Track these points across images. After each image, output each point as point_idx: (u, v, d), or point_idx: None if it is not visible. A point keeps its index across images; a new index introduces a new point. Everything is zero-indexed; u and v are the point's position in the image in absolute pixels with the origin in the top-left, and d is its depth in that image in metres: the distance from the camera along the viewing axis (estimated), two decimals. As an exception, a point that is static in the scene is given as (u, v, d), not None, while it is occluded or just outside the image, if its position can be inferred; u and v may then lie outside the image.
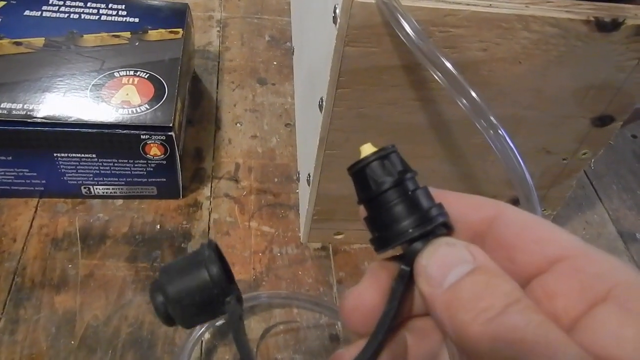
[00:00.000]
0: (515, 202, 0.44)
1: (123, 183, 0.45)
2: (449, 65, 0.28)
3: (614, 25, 0.31)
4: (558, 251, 0.18)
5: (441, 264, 0.18)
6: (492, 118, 0.28)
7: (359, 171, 0.20)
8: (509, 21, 0.30)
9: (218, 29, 0.66)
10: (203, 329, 0.39)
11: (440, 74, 0.28)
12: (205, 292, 0.24)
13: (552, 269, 0.18)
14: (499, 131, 0.28)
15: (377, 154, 0.20)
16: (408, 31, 0.28)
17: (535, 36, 0.31)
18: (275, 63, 0.63)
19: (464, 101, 0.28)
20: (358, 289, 0.20)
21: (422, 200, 0.20)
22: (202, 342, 0.39)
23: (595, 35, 0.31)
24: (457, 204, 0.21)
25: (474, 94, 0.28)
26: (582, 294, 0.17)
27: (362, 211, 0.20)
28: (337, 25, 0.30)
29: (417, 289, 0.19)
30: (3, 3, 0.49)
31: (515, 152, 0.28)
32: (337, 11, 0.30)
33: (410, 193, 0.19)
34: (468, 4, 0.30)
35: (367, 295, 0.20)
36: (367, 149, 0.20)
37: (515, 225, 0.19)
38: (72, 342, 0.37)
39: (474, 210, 0.21)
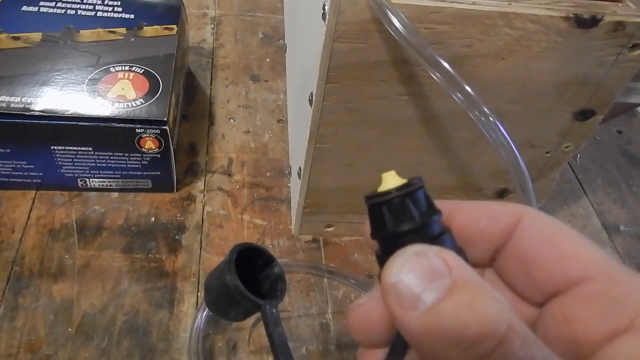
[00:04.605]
0: (501, 194, 0.46)
1: (119, 176, 0.46)
2: (438, 57, 0.29)
3: (593, 21, 0.32)
4: (579, 271, 0.17)
5: (413, 280, 0.15)
6: (484, 108, 0.29)
7: (376, 205, 0.18)
8: (491, 18, 0.31)
9: (212, 26, 0.67)
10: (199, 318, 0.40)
11: (429, 66, 0.29)
12: (226, 293, 0.25)
13: (572, 291, 0.17)
14: (491, 119, 0.29)
15: (400, 190, 0.17)
16: (398, 27, 0.29)
17: (517, 33, 0.32)
18: (268, 60, 0.64)
19: (457, 93, 0.29)
20: (366, 306, 0.18)
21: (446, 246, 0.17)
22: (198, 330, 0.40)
23: (575, 31, 0.32)
24: (474, 216, 0.19)
25: (465, 86, 0.29)
26: (603, 320, 0.16)
27: (372, 243, 0.18)
28: (326, 21, 0.31)
29: (387, 307, 0.16)
30: (0, -1, 0.50)
31: (510, 141, 0.29)
32: (326, 8, 0.31)
33: (434, 239, 0.17)
34: (452, 2, 0.31)
35: (376, 312, 0.18)
36: (390, 180, 0.18)
37: (535, 237, 0.18)
38: (70, 329, 0.38)
39: (492, 221, 0.19)
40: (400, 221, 0.17)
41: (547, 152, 0.41)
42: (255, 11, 0.70)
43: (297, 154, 0.46)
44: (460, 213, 0.19)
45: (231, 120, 0.57)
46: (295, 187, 0.46)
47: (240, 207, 0.49)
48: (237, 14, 0.69)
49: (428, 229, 0.17)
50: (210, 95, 0.59)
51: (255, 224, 0.48)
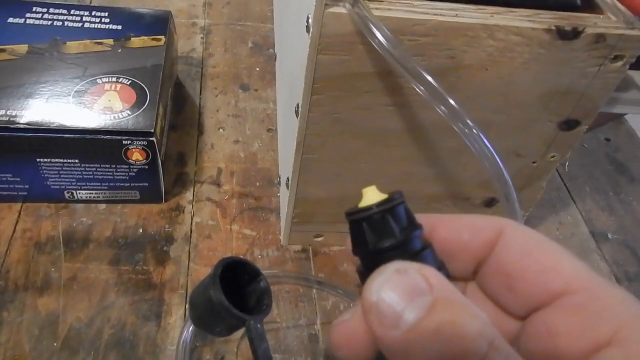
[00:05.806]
0: (488, 203, 0.46)
1: (106, 188, 0.46)
2: (421, 70, 0.29)
3: (575, 33, 0.32)
4: (561, 285, 0.17)
5: (394, 298, 0.15)
6: (467, 120, 0.29)
7: (356, 222, 0.18)
8: (474, 30, 0.31)
9: (202, 35, 0.67)
10: (186, 331, 0.40)
11: (412, 79, 0.29)
12: (211, 309, 0.25)
13: (554, 304, 0.17)
14: (474, 131, 0.29)
15: (381, 206, 0.17)
16: (380, 39, 0.29)
17: (500, 44, 0.32)
18: (257, 69, 0.64)
19: (440, 105, 0.29)
20: (348, 323, 0.18)
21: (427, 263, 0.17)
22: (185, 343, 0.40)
23: (557, 43, 0.33)
24: (456, 229, 0.19)
25: (448, 98, 0.29)
26: (585, 334, 0.16)
27: (355, 258, 0.18)
28: (310, 34, 0.31)
29: (368, 326, 0.16)
30: (-13, 11, 0.50)
31: (493, 152, 0.30)
32: (310, 20, 0.31)
33: (415, 255, 0.17)
34: (435, 14, 0.31)
35: (358, 329, 0.17)
36: (371, 195, 0.18)
37: (516, 251, 0.18)
38: (55, 344, 0.38)
39: (474, 235, 0.19)
40: (381, 237, 0.17)
41: (533, 162, 0.41)
42: (245, 20, 0.71)
43: (286, 164, 0.46)
44: (442, 226, 0.19)
45: (220, 129, 0.56)
46: (284, 197, 0.46)
47: (229, 217, 0.49)
48: (226, 23, 0.70)
49: (409, 245, 0.17)
50: (200, 104, 0.59)
51: (244, 234, 0.48)
